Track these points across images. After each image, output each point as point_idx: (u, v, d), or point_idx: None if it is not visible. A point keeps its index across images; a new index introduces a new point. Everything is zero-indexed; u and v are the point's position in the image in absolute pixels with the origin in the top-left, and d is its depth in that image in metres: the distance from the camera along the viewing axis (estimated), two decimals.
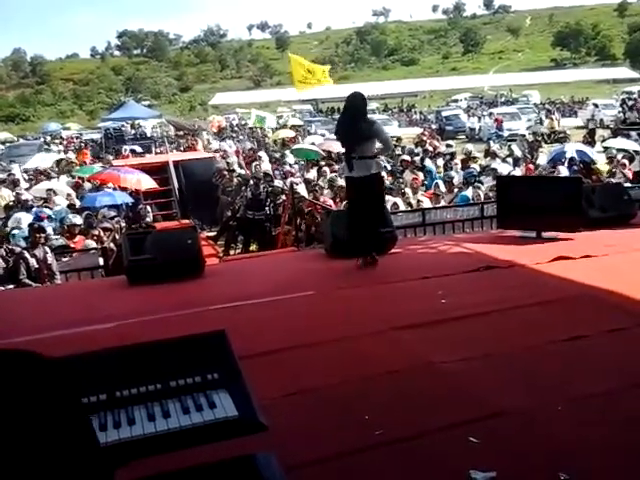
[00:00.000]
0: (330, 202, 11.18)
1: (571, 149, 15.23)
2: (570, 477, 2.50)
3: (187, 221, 12.94)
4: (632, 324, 4.25)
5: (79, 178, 16.15)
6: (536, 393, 3.33)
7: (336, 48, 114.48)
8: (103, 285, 7.16)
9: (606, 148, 16.20)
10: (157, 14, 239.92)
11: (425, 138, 22.56)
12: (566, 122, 33.39)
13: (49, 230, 9.32)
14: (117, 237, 9.45)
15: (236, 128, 37.96)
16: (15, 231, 9.79)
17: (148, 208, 12.96)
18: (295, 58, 18.50)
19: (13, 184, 16.28)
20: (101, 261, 8.50)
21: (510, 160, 15.48)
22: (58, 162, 21.57)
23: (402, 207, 10.61)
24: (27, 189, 15.53)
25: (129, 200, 13.03)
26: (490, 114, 34.67)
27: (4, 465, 0.84)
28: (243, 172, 16.19)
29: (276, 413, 2.61)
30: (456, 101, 51.61)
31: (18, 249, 8.18)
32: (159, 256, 6.28)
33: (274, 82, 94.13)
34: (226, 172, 15.42)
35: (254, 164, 17.25)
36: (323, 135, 27.42)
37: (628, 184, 10.52)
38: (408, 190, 12.05)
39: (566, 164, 13.63)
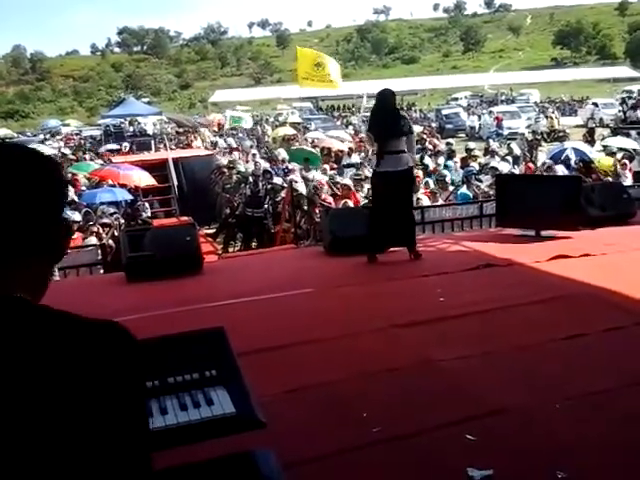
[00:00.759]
0: (330, 200, 11.15)
1: (569, 148, 15.23)
2: (568, 475, 2.50)
3: (186, 218, 12.93)
4: (631, 323, 4.25)
5: (74, 175, 15.98)
6: (535, 391, 3.33)
7: (336, 46, 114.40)
8: (101, 281, 7.16)
9: (605, 147, 16.18)
10: (157, 11, 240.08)
11: (425, 136, 22.52)
12: (566, 121, 33.35)
13: None
14: (116, 233, 9.44)
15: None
16: None
17: (146, 205, 12.94)
18: (303, 51, 18.22)
19: None
20: (100, 257, 8.49)
21: (510, 158, 15.47)
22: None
23: None
24: None
25: (129, 197, 13.02)
26: (490, 112, 34.63)
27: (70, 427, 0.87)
28: (243, 169, 16.15)
29: (274, 410, 2.61)
30: (456, 99, 51.54)
31: None
32: (158, 253, 6.28)
33: (274, 79, 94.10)
34: (225, 169, 15.40)
35: (251, 160, 17.12)
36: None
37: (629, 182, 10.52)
38: None
39: (562, 164, 13.60)
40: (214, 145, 25.05)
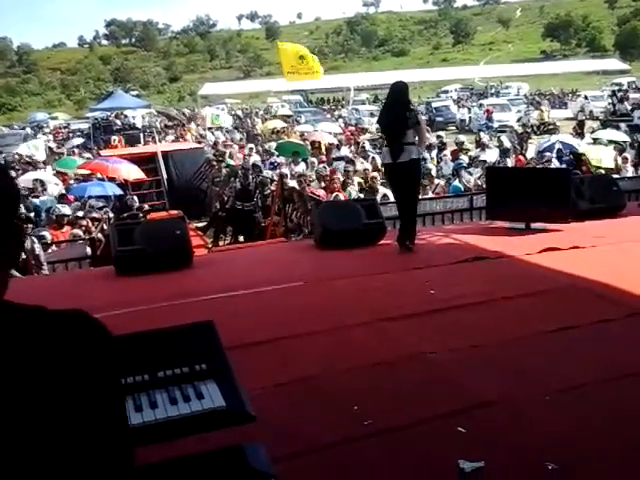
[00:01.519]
0: (320, 192, 11.14)
1: (557, 142, 15.28)
2: (558, 467, 2.51)
3: (176, 212, 12.89)
4: (621, 315, 4.27)
5: (62, 175, 15.75)
6: (524, 383, 3.34)
7: (326, 38, 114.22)
8: (91, 276, 7.11)
9: (595, 139, 16.24)
10: (146, 3, 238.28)
11: None
12: (556, 114, 33.42)
13: None
14: (105, 227, 9.39)
15: None
16: None
17: (135, 198, 12.86)
18: (284, 47, 18.13)
19: None
20: (89, 251, 8.44)
21: (495, 148, 15.55)
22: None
23: (392, 199, 10.57)
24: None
25: (119, 192, 12.94)
26: (480, 105, 34.66)
27: (41, 422, 0.85)
28: (233, 162, 16.10)
29: (264, 404, 2.60)
30: (446, 92, 51.52)
31: None
32: (147, 246, 6.24)
33: (264, 72, 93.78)
34: (215, 162, 15.35)
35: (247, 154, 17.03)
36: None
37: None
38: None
39: (554, 155, 13.65)
40: (202, 138, 24.94)
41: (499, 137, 18.33)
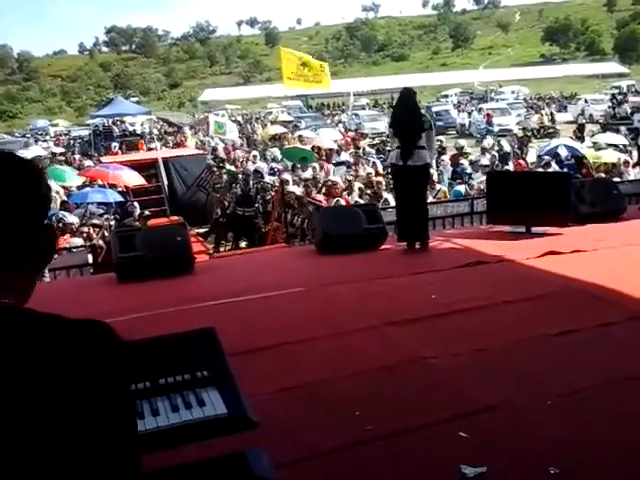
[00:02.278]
0: (320, 198, 11.14)
1: (560, 145, 15.28)
2: (560, 471, 2.51)
3: (177, 218, 12.90)
4: (622, 318, 4.26)
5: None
6: (526, 388, 3.34)
7: (326, 44, 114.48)
8: (92, 282, 7.11)
9: (595, 143, 16.26)
10: (145, 9, 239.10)
11: None
12: (556, 117, 33.42)
13: None
14: (106, 234, 9.40)
15: None
16: None
17: (136, 205, 12.87)
18: (286, 52, 18.03)
19: None
20: (90, 258, 8.44)
21: (495, 153, 15.57)
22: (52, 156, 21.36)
23: (393, 203, 10.58)
24: None
25: (119, 198, 12.95)
26: (480, 109, 34.70)
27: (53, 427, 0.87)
28: (233, 168, 16.12)
29: (266, 410, 2.60)
30: (446, 96, 51.63)
31: None
32: (148, 253, 6.24)
33: (263, 78, 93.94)
34: (215, 168, 15.37)
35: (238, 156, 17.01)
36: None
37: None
38: None
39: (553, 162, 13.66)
40: (204, 145, 24.91)
41: (499, 141, 18.36)
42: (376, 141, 23.19)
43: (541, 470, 2.53)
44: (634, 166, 12.59)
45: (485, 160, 14.38)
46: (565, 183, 7.64)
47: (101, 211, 11.31)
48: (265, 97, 52.33)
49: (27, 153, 23.01)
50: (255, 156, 18.22)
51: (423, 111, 7.28)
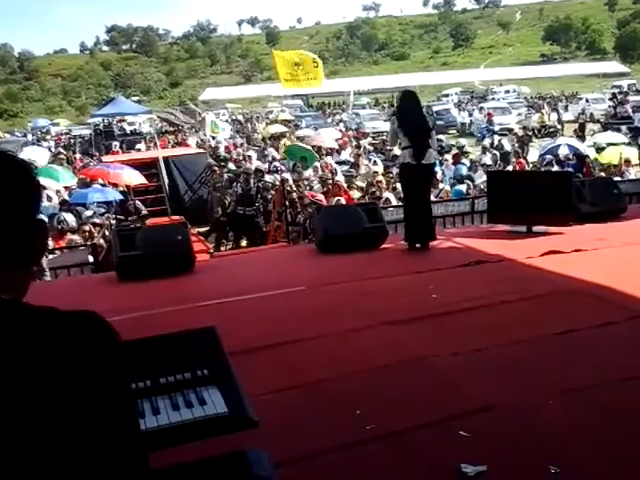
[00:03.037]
0: (320, 197, 11.14)
1: (563, 144, 15.28)
2: (561, 470, 2.51)
3: (177, 217, 12.89)
4: (623, 318, 4.26)
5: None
6: (527, 387, 3.33)
7: (326, 43, 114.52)
8: (93, 281, 7.11)
9: (596, 143, 16.27)
10: (146, 8, 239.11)
11: None
12: (556, 116, 33.36)
13: None
14: (107, 233, 9.40)
15: None
16: None
17: (139, 204, 12.88)
18: (279, 55, 18.12)
19: None
20: (91, 258, 8.44)
21: (496, 152, 15.55)
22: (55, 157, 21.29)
23: (394, 202, 10.59)
24: None
25: (119, 197, 12.94)
26: (481, 109, 34.68)
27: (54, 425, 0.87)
28: (234, 167, 16.11)
29: (267, 409, 2.60)
30: (447, 96, 51.62)
31: None
32: (149, 252, 6.24)
33: (264, 77, 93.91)
34: (216, 167, 15.37)
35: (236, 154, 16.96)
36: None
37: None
38: (399, 185, 12.01)
39: (554, 161, 13.65)
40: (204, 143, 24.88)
41: (500, 140, 18.35)
42: (377, 140, 23.19)
43: (542, 469, 2.52)
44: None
45: (487, 159, 14.38)
46: (566, 182, 7.63)
47: (102, 210, 11.30)
48: (266, 96, 52.34)
49: (22, 155, 23.03)
50: (250, 156, 18.11)
51: (424, 110, 7.35)
